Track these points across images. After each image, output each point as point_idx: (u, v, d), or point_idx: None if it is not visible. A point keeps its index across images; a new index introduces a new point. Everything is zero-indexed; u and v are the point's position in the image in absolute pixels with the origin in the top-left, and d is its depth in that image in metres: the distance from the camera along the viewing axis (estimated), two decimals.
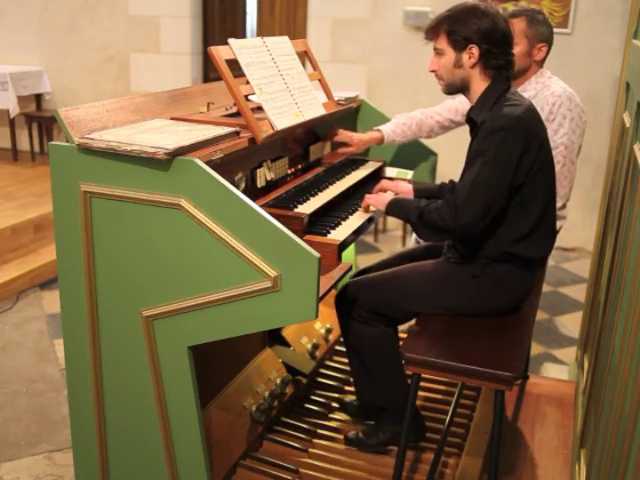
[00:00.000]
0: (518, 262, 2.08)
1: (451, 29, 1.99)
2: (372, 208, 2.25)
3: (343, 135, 2.59)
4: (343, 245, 1.97)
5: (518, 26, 2.43)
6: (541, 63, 2.54)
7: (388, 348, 2.21)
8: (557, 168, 2.38)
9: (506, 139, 1.91)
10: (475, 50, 1.98)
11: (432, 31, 2.05)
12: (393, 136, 2.68)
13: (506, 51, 2.01)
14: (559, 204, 2.48)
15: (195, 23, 5.72)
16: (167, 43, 5.72)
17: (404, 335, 2.55)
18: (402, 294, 2.15)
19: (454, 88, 2.07)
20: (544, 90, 2.51)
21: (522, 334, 2.06)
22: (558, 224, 2.47)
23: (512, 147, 1.92)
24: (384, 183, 2.42)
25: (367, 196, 2.26)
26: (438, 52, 2.05)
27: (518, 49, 2.41)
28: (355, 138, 2.61)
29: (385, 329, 2.19)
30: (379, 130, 2.68)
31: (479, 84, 2.03)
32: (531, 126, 1.96)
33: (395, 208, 2.16)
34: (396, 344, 2.23)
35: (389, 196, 2.22)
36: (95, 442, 1.98)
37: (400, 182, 2.45)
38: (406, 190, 2.37)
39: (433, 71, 2.08)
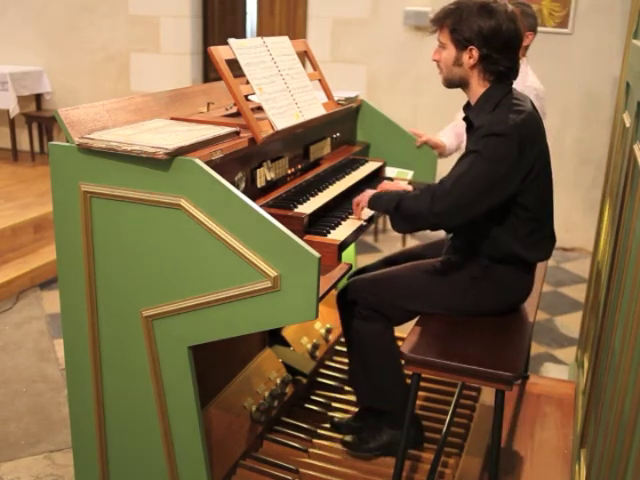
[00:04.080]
0: (518, 265, 2.08)
1: (454, 27, 1.95)
2: (365, 211, 2.18)
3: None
4: (343, 245, 1.97)
5: None
6: (526, 49, 2.87)
7: (388, 345, 2.21)
8: None
9: (502, 145, 1.89)
10: (475, 52, 1.94)
11: (437, 22, 2.01)
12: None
13: (509, 57, 1.96)
14: None
15: (195, 23, 5.72)
16: (167, 43, 5.72)
17: (404, 335, 2.55)
18: (402, 293, 2.15)
19: (452, 83, 2.05)
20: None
21: (522, 334, 2.06)
22: None
23: (507, 154, 1.89)
24: (384, 184, 2.41)
25: (358, 197, 2.18)
26: (441, 44, 2.01)
27: None
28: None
29: (384, 327, 2.19)
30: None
31: (477, 86, 2.01)
32: (530, 134, 1.93)
33: (377, 202, 2.09)
34: (395, 343, 2.24)
35: (372, 191, 2.15)
36: (95, 442, 1.98)
37: (400, 182, 2.45)
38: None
39: (435, 60, 2.05)
